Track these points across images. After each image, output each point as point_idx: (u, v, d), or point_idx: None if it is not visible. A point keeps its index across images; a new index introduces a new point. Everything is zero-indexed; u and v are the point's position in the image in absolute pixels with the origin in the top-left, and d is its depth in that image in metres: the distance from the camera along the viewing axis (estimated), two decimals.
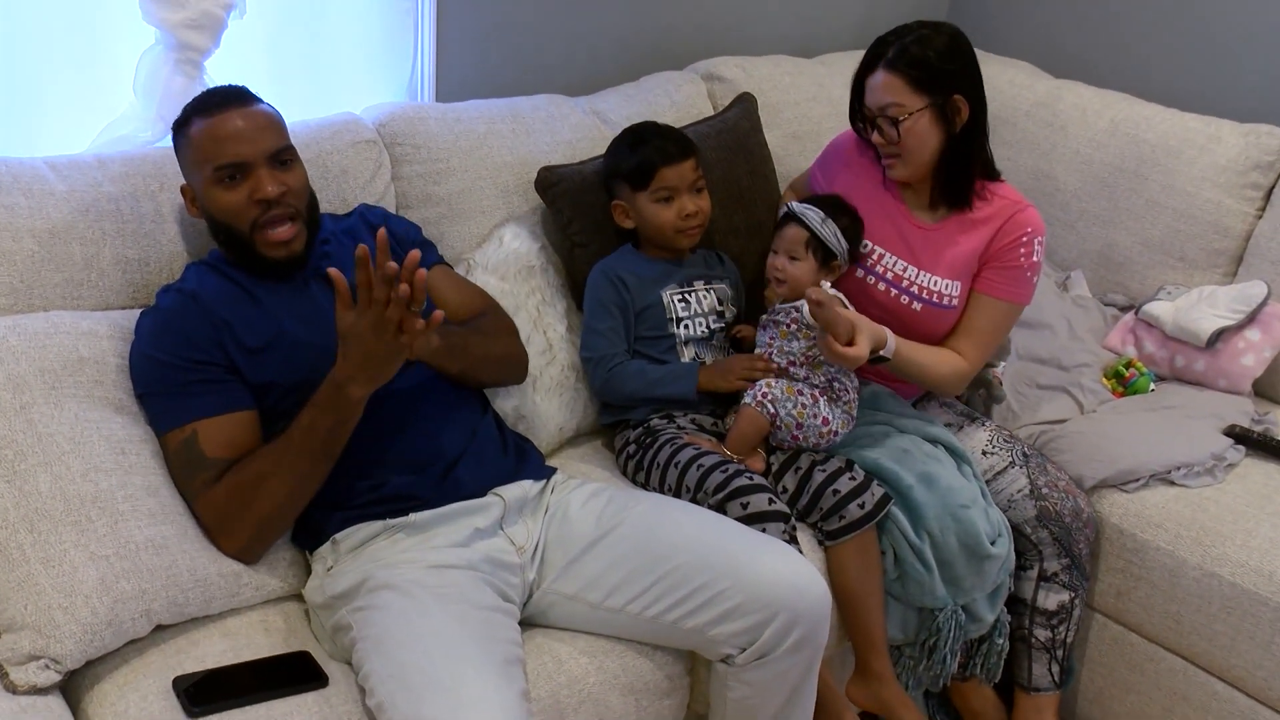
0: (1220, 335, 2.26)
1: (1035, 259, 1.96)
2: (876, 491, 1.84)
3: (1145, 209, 2.52)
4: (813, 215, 1.89)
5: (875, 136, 1.93)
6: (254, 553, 1.58)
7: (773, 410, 1.85)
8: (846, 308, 1.84)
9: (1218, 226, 2.43)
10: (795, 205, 1.92)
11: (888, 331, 1.86)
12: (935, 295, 1.97)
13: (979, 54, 2.87)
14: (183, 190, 1.67)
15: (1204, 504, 1.99)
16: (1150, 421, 2.15)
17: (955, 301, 1.97)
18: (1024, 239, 1.95)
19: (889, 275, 1.98)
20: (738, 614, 1.54)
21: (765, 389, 1.86)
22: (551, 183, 2.08)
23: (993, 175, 2.01)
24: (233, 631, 1.54)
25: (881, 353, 1.84)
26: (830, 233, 1.89)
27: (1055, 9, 2.98)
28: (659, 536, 1.62)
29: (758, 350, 1.94)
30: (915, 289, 1.97)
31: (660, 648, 1.66)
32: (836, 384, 1.90)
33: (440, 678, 1.37)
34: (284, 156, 1.63)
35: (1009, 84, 2.82)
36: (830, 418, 1.87)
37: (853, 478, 1.84)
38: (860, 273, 1.99)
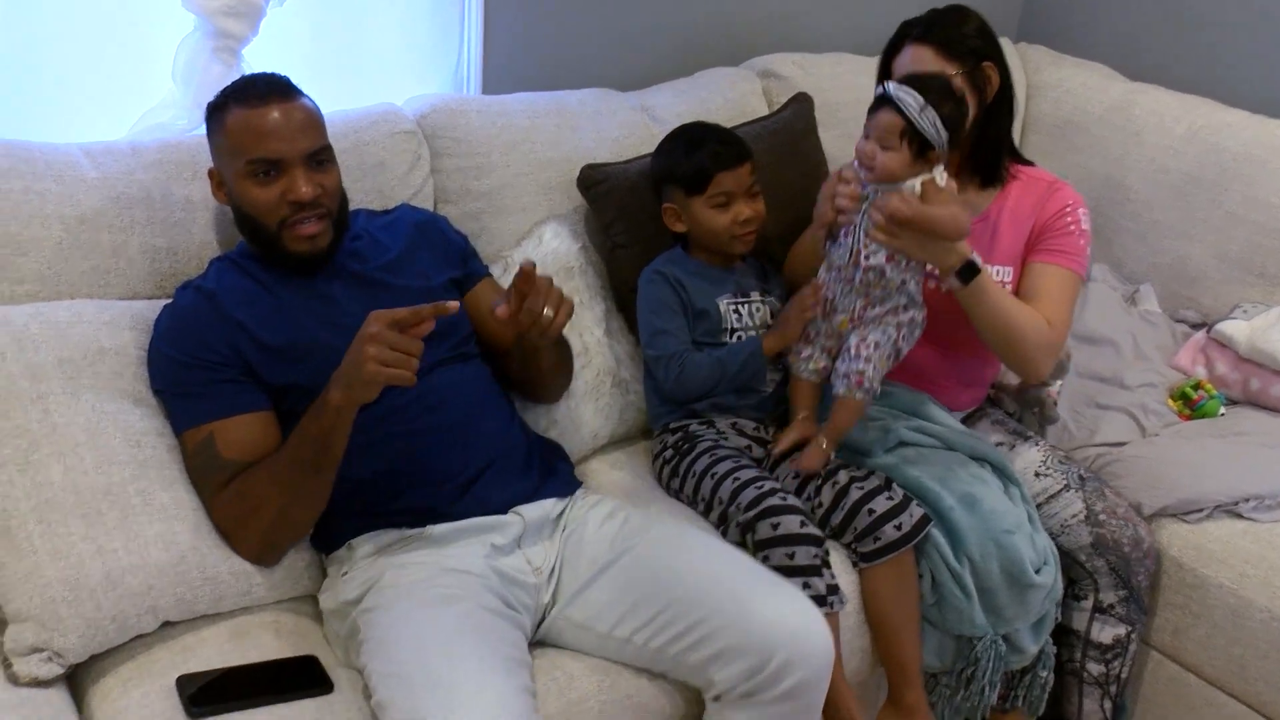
0: None
1: (1084, 227, 1.91)
2: (915, 512, 1.76)
3: (1223, 221, 2.40)
4: (910, 101, 1.65)
5: None
6: (267, 559, 1.56)
7: (876, 389, 1.77)
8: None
9: None
10: (891, 87, 1.68)
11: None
12: None
13: (1051, 55, 2.82)
14: (210, 173, 1.64)
15: (1275, 540, 1.87)
16: (1218, 448, 2.04)
17: (1009, 288, 1.90)
18: (1067, 210, 1.91)
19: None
20: (732, 654, 1.47)
21: (865, 372, 1.75)
22: (595, 181, 2.03)
23: (1020, 157, 1.99)
24: (242, 631, 1.52)
25: (971, 257, 1.71)
26: (929, 122, 1.65)
27: (1133, 9, 2.85)
28: (666, 566, 1.56)
29: (830, 270, 1.81)
30: None
31: (671, 682, 1.59)
32: (918, 301, 1.77)
33: (439, 674, 1.34)
34: (321, 157, 1.60)
35: (1082, 87, 2.71)
36: (906, 351, 1.80)
37: (890, 497, 1.76)
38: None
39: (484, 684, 1.33)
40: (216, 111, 1.59)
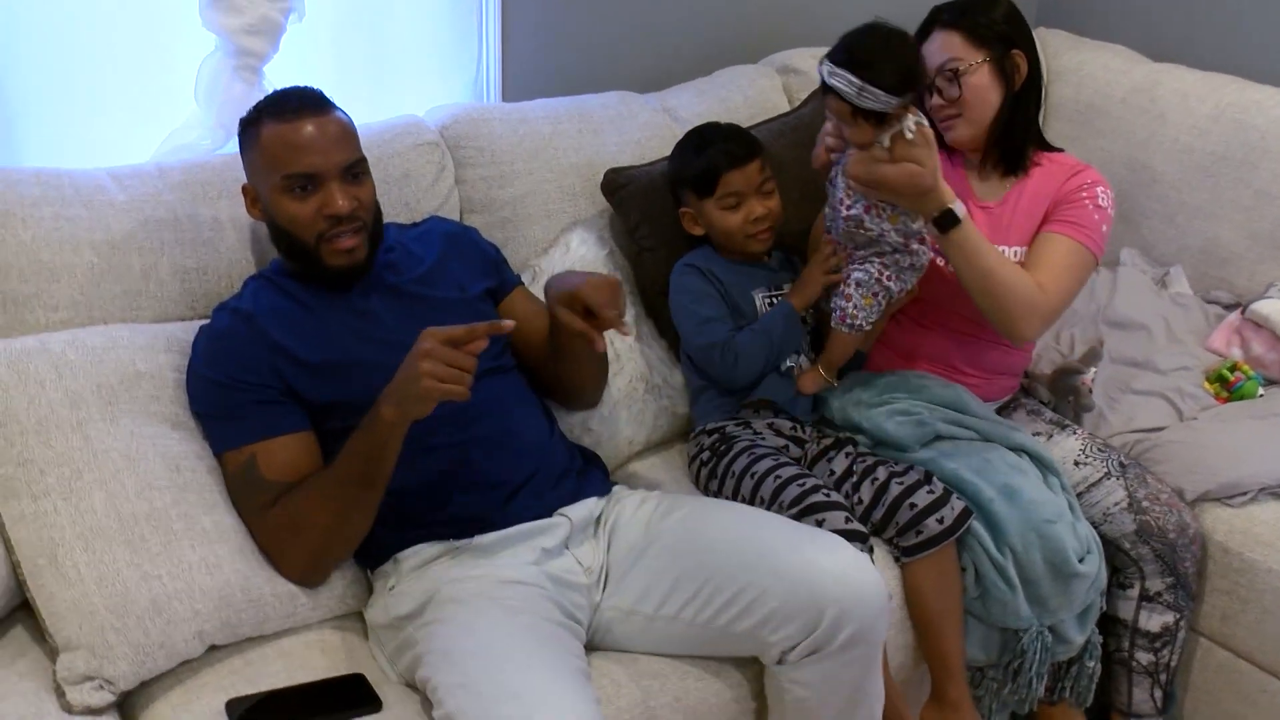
0: None
1: (1101, 204, 1.87)
2: (956, 506, 1.74)
3: (1253, 200, 2.37)
4: (845, 88, 1.62)
5: (934, 100, 1.87)
6: (313, 578, 1.55)
7: (861, 324, 1.81)
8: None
9: None
10: (826, 73, 1.66)
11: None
12: None
13: (1071, 39, 2.80)
14: (244, 190, 1.64)
15: None
16: (1259, 430, 2.01)
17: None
18: (1085, 186, 1.89)
19: None
20: (784, 613, 1.47)
21: (845, 308, 1.80)
22: (619, 185, 2.02)
23: (1047, 145, 1.97)
24: (289, 652, 1.51)
25: (950, 206, 1.70)
26: (872, 99, 1.61)
27: None
28: (700, 538, 1.57)
29: (827, 212, 1.84)
30: None
31: (724, 668, 1.59)
32: (909, 247, 1.78)
33: (511, 685, 1.33)
34: (356, 170, 1.59)
35: (1104, 69, 2.68)
36: (899, 290, 1.82)
37: (931, 491, 1.75)
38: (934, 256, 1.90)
39: (557, 693, 1.33)
40: (249, 127, 1.59)
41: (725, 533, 1.57)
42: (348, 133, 1.60)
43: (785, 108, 2.32)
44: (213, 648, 1.48)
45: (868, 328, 1.84)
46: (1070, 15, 2.94)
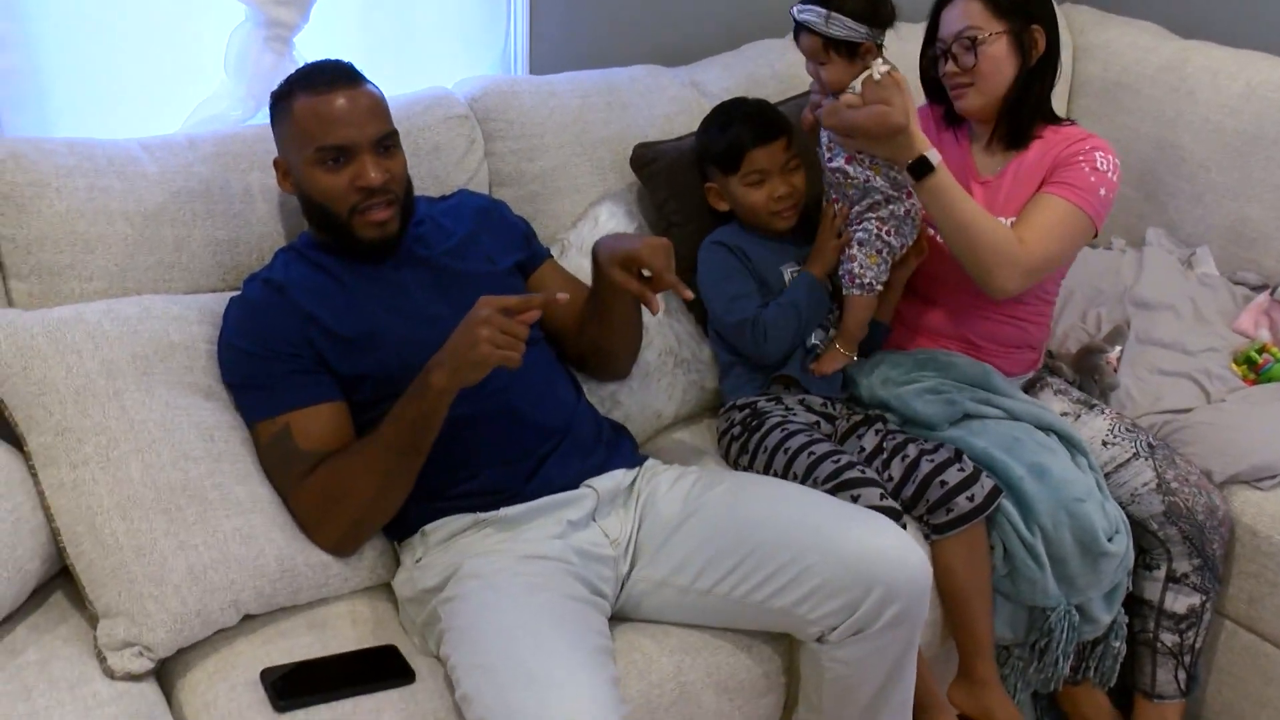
0: None
1: (1100, 167, 1.83)
2: (986, 484, 1.74)
3: None
4: (814, 19, 1.71)
5: (949, 67, 1.86)
6: (348, 548, 1.56)
7: (870, 283, 1.83)
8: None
9: None
10: (796, 11, 1.75)
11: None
12: None
13: (1097, 15, 2.77)
14: (276, 164, 1.64)
15: None
16: None
17: None
18: (1083, 150, 1.85)
19: None
20: (828, 590, 1.47)
21: (852, 269, 1.83)
22: (647, 160, 2.01)
23: (1056, 119, 1.93)
24: (320, 623, 1.52)
25: (925, 153, 1.71)
26: (840, 26, 1.69)
27: None
28: (743, 512, 1.57)
29: (826, 171, 1.86)
30: None
31: (755, 643, 1.60)
32: (899, 196, 1.81)
33: (527, 667, 1.34)
34: (388, 142, 1.60)
35: (1131, 46, 2.66)
36: (900, 244, 1.85)
37: (961, 469, 1.75)
38: (931, 230, 1.91)
39: (572, 676, 1.33)
40: (281, 100, 1.59)
41: (770, 508, 1.57)
42: (379, 105, 1.60)
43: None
44: (247, 617, 1.49)
45: (878, 287, 1.85)
46: None
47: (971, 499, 1.72)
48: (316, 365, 1.56)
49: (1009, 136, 1.90)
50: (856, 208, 1.83)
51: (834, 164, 1.81)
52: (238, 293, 1.64)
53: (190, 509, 1.45)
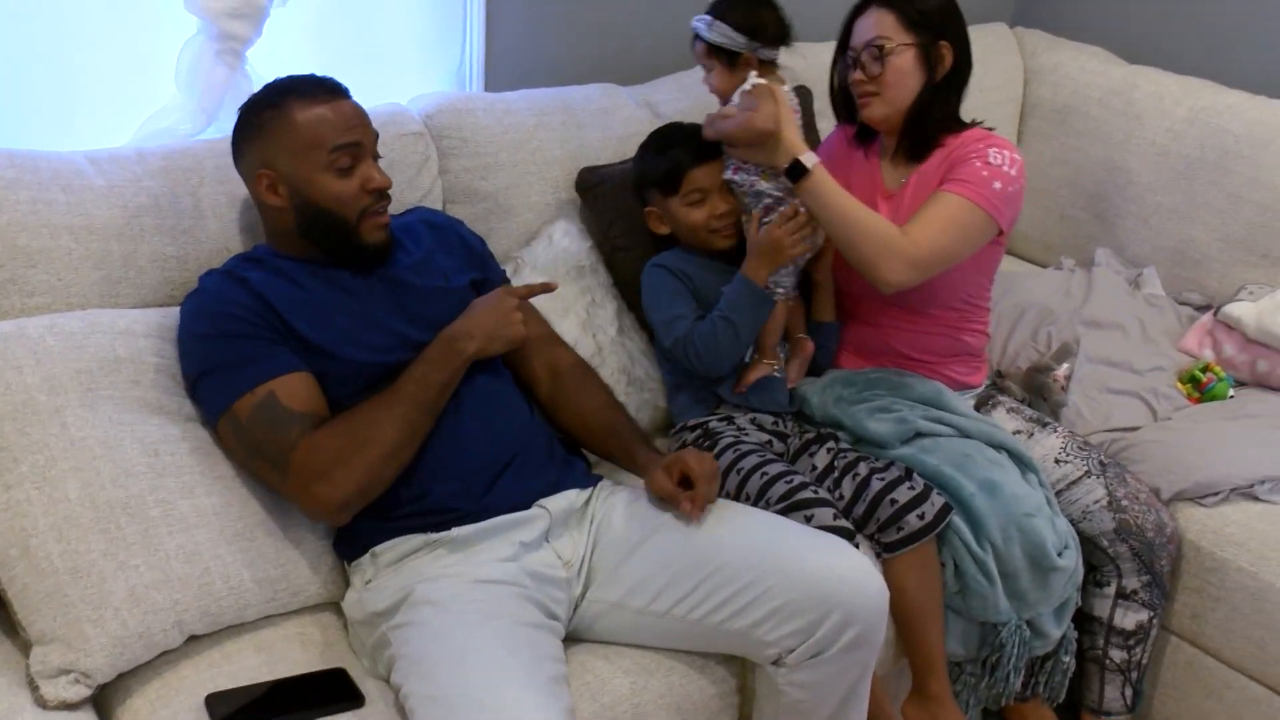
0: None
1: (992, 162, 1.83)
2: (937, 501, 1.76)
3: (1227, 203, 2.40)
4: (700, 26, 1.83)
5: (856, 74, 1.89)
6: (352, 506, 1.51)
7: (774, 289, 1.85)
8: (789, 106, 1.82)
9: None
10: (693, 21, 1.84)
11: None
12: None
13: (1048, 38, 2.82)
14: (259, 177, 1.59)
15: None
16: (1230, 430, 2.04)
17: None
18: (977, 149, 1.86)
19: None
20: (787, 612, 1.48)
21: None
22: (592, 184, 2.02)
23: (962, 126, 1.93)
24: (268, 644, 1.50)
25: (799, 157, 1.76)
26: (719, 34, 1.79)
27: None
28: (703, 535, 1.56)
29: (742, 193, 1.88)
30: None
31: (709, 664, 1.59)
32: (785, 196, 1.83)
33: (481, 697, 1.32)
34: (377, 152, 1.63)
35: (1080, 70, 2.71)
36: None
37: (912, 487, 1.76)
38: None
39: (527, 708, 1.31)
40: (269, 110, 1.57)
41: (729, 530, 1.56)
42: (369, 118, 1.64)
43: None
44: (192, 639, 1.46)
45: (785, 291, 1.86)
46: (1047, 15, 2.97)
47: (922, 517, 1.73)
48: (284, 340, 1.54)
49: (910, 149, 1.93)
50: (756, 215, 1.85)
51: (725, 175, 1.86)
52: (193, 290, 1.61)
53: (131, 527, 1.42)
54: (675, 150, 1.90)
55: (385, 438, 1.50)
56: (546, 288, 1.65)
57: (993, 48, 2.77)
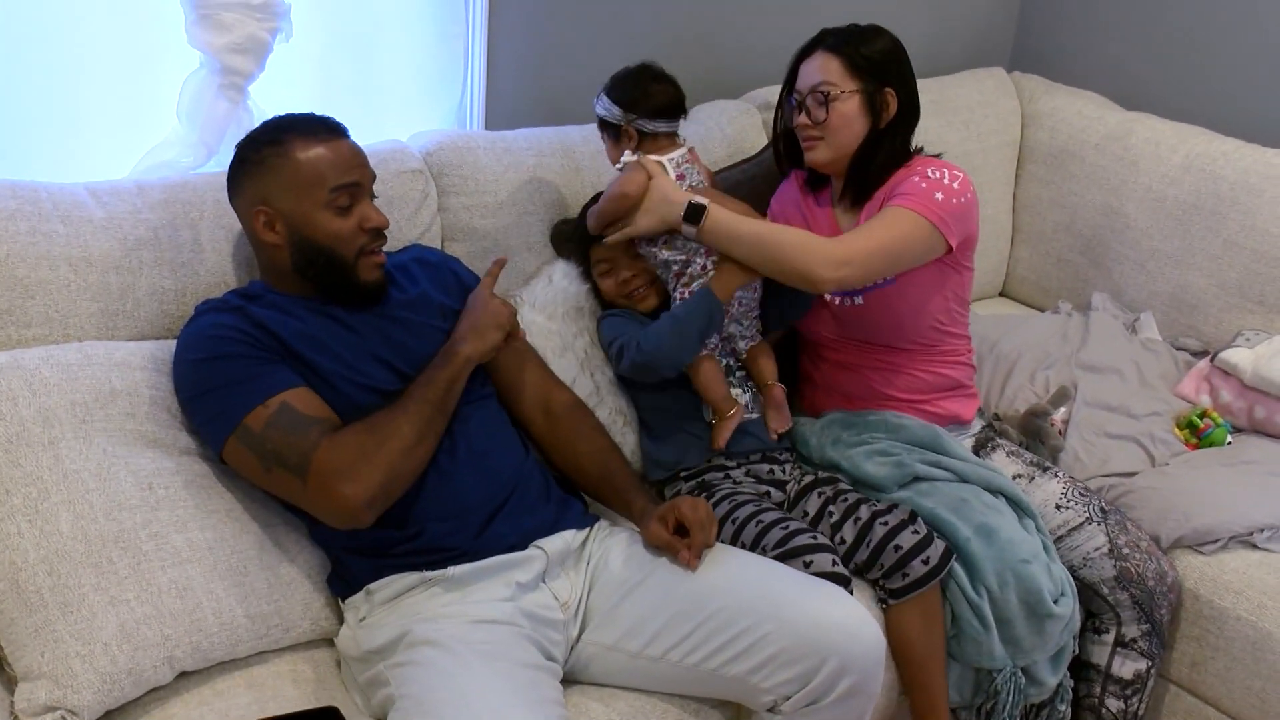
0: None
1: (932, 176, 1.85)
2: (939, 545, 1.75)
3: (1222, 249, 2.41)
4: (594, 98, 1.90)
5: (801, 118, 1.90)
6: (376, 504, 1.48)
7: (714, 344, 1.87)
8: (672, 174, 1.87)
9: None
10: None
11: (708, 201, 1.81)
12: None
13: (1045, 84, 2.84)
14: (258, 211, 1.58)
15: None
16: (1228, 477, 2.04)
17: (889, 276, 1.88)
18: (917, 169, 1.88)
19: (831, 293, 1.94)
20: (783, 659, 1.47)
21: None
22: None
23: (902, 160, 1.92)
24: (259, 681, 1.48)
25: (688, 201, 1.79)
26: (600, 108, 1.89)
27: (1127, 38, 2.88)
28: (700, 580, 1.55)
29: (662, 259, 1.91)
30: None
31: (704, 708, 1.58)
32: (693, 260, 1.86)
33: None
34: (374, 193, 1.65)
35: (1077, 115, 2.73)
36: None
37: (916, 531, 1.75)
38: (833, 298, 1.95)
39: None
40: (270, 147, 1.57)
41: (726, 575, 1.56)
42: (367, 158, 1.65)
43: (763, 143, 2.32)
44: (182, 675, 1.44)
45: (713, 345, 1.87)
46: (1044, 61, 3.00)
47: (926, 562, 1.72)
48: (287, 361, 1.54)
49: (856, 195, 1.94)
50: (676, 287, 1.87)
51: (639, 249, 1.90)
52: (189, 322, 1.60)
53: (123, 561, 1.41)
54: (580, 229, 1.96)
55: (404, 433, 1.50)
56: (499, 263, 1.72)
57: (991, 92, 2.79)
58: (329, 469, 1.45)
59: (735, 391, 1.89)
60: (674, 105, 1.88)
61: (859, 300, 1.92)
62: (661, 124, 1.87)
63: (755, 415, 1.90)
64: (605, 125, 1.90)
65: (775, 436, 1.91)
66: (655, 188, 1.82)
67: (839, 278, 1.77)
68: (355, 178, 1.58)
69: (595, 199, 1.94)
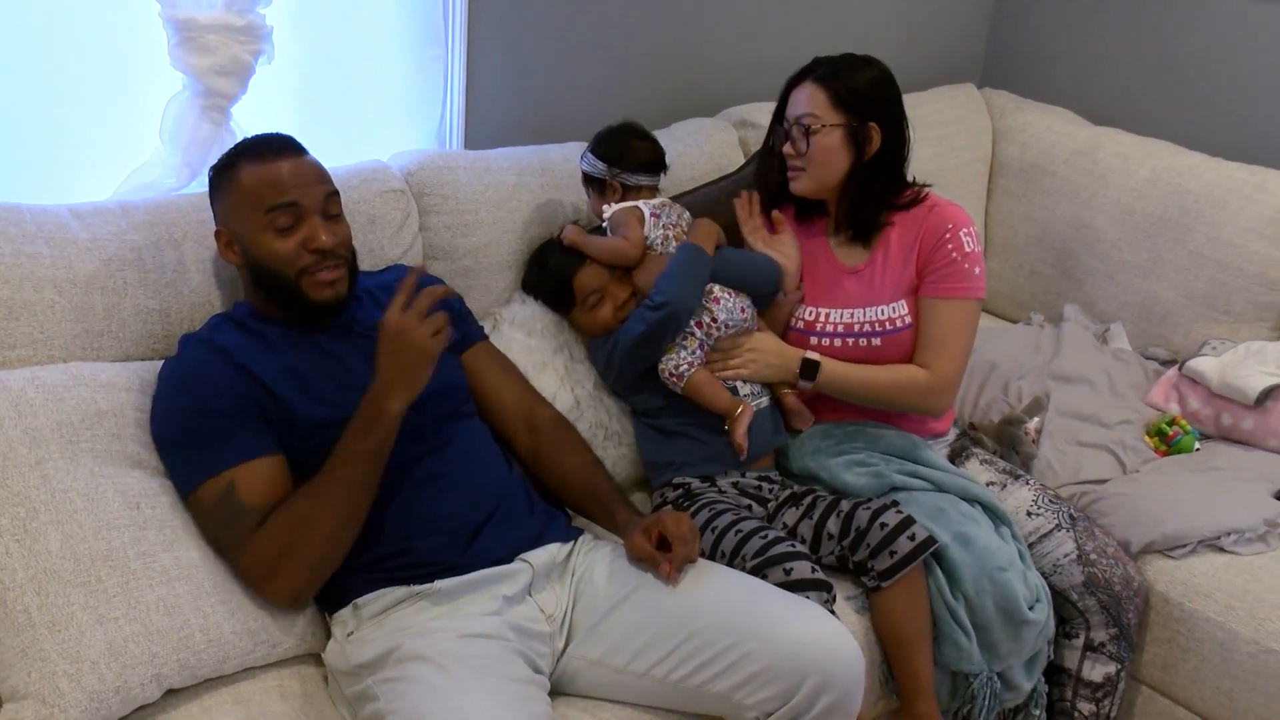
0: (1270, 393, 2.19)
1: (968, 249, 1.93)
2: (923, 528, 1.77)
3: (1189, 260, 2.46)
4: (580, 154, 2.00)
5: (786, 147, 1.94)
6: (307, 594, 1.53)
7: (673, 370, 1.89)
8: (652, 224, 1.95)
9: (1264, 279, 2.37)
10: None
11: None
12: (887, 323, 1.95)
13: (1016, 100, 2.90)
14: (218, 234, 1.63)
15: (1257, 573, 1.91)
16: (1196, 483, 2.08)
17: (908, 319, 1.95)
18: (947, 235, 1.93)
19: (839, 329, 1.97)
20: (766, 677, 1.49)
21: (676, 370, 1.89)
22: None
23: (898, 203, 1.97)
24: (247, 698, 1.49)
25: (807, 357, 1.89)
26: (586, 163, 1.99)
27: (1095, 56, 2.94)
28: (684, 597, 1.57)
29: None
30: (868, 326, 1.95)
31: (689, 716, 1.59)
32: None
33: None
34: (332, 210, 1.62)
35: (1047, 131, 2.78)
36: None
37: (899, 511, 1.78)
38: (813, 339, 1.98)
39: None
40: (225, 170, 1.60)
41: (709, 592, 1.57)
42: (323, 171, 1.64)
43: (740, 160, 2.37)
44: (169, 692, 1.45)
45: (687, 368, 1.89)
46: (1014, 78, 3.05)
47: (913, 538, 1.75)
48: (259, 418, 1.55)
49: (855, 234, 1.97)
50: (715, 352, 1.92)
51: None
52: (172, 355, 1.62)
53: (112, 580, 1.42)
54: (552, 264, 1.98)
55: (321, 527, 1.49)
56: (417, 270, 1.58)
57: (962, 108, 2.84)
58: (254, 567, 1.51)
59: (744, 391, 1.93)
60: (655, 161, 1.98)
61: (876, 342, 1.95)
62: (644, 177, 1.96)
63: (765, 402, 1.95)
64: (590, 180, 1.99)
65: (807, 426, 1.99)
66: (769, 348, 1.92)
67: (950, 400, 1.97)
68: (292, 197, 1.57)
69: (549, 245, 2.02)
